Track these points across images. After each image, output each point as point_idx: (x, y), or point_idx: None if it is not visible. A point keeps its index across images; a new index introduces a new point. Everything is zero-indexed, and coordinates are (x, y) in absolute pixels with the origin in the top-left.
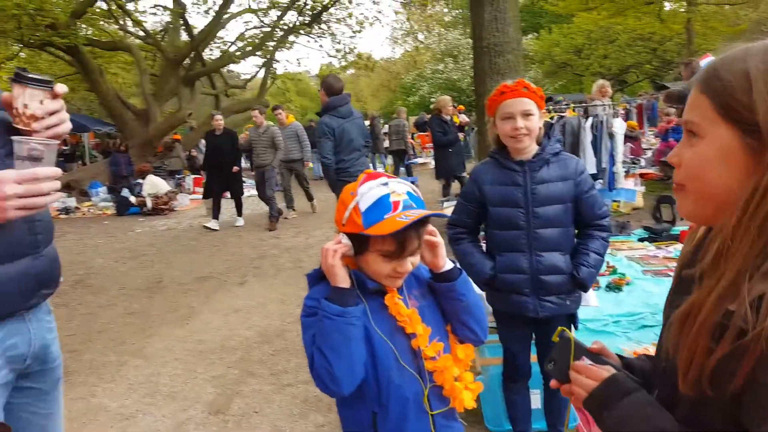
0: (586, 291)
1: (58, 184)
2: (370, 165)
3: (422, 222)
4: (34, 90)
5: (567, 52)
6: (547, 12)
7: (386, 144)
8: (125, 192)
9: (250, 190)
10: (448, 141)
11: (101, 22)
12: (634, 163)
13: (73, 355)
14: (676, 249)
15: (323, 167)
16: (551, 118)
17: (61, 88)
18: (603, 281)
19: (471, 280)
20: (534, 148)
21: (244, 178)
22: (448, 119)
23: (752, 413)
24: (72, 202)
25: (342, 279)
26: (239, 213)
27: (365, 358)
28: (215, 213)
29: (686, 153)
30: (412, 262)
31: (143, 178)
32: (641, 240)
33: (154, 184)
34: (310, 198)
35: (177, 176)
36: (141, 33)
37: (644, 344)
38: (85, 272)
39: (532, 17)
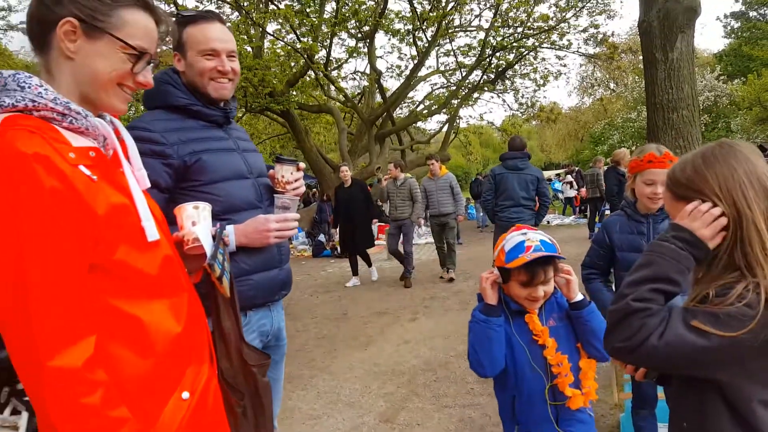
0: None
1: (297, 224)
2: (529, 220)
3: (549, 261)
4: (288, 166)
5: None
6: (756, 57)
7: (572, 194)
8: (321, 237)
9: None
10: (619, 195)
11: (309, 89)
12: None
13: None
14: None
15: (483, 206)
16: None
17: (302, 164)
18: None
19: (597, 311)
20: (660, 204)
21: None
22: (625, 172)
23: None
24: None
25: (490, 297)
26: (369, 264)
27: (506, 355)
28: (355, 269)
29: None
30: (544, 291)
31: (335, 226)
32: None
33: None
34: (444, 254)
35: None
36: (342, 97)
37: None
38: (287, 302)
39: (738, 61)
